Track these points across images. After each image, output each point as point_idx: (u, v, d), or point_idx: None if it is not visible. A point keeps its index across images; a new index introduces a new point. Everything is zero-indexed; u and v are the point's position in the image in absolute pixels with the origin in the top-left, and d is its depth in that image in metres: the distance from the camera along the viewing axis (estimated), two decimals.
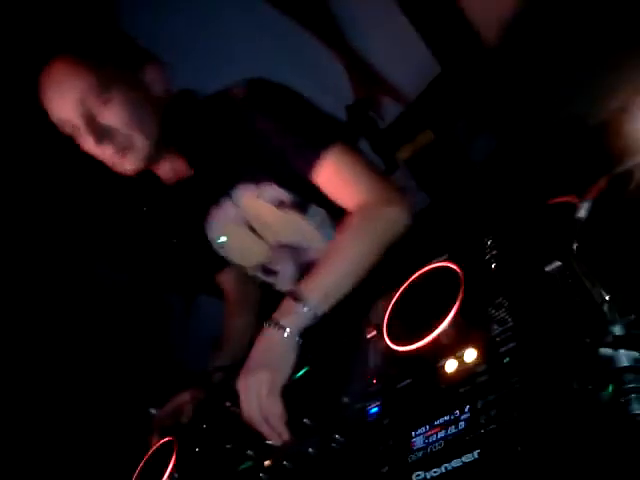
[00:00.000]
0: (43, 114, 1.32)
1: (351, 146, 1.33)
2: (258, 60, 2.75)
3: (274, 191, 1.39)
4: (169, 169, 1.45)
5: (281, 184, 1.39)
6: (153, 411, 1.45)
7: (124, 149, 1.30)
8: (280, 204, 1.41)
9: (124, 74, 1.31)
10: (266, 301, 1.76)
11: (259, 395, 1.12)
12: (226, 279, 1.77)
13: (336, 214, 1.36)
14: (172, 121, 1.37)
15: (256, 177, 1.39)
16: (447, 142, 2.46)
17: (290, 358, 1.16)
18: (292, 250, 1.51)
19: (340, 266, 1.22)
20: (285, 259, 1.53)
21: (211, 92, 1.45)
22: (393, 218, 1.27)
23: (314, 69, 2.91)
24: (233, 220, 1.49)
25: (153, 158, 1.37)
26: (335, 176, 1.29)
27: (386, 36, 2.77)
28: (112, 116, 1.27)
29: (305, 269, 1.49)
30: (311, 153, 1.29)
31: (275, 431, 1.11)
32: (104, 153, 1.30)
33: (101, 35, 1.35)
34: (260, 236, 1.50)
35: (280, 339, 1.16)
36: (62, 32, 1.37)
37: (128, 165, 1.33)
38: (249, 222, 1.48)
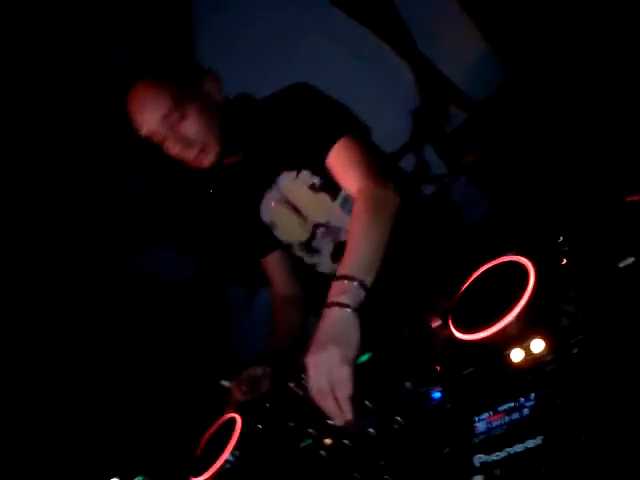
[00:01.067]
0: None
1: (359, 140, 1.60)
2: (329, 65, 2.81)
3: (308, 176, 1.67)
4: (226, 155, 1.71)
5: (315, 171, 1.66)
6: (226, 383, 1.51)
7: (202, 151, 1.62)
8: (312, 186, 1.67)
9: (192, 91, 1.62)
10: (311, 287, 1.89)
11: (330, 367, 1.16)
12: (273, 266, 1.91)
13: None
14: (230, 120, 1.68)
15: (296, 165, 1.68)
16: (512, 148, 2.44)
17: (356, 333, 1.22)
18: (328, 229, 1.72)
19: (368, 242, 1.40)
20: (324, 237, 1.73)
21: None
22: (389, 198, 1.50)
23: (383, 74, 2.93)
24: (279, 201, 1.74)
25: (223, 155, 1.67)
26: (340, 164, 1.57)
27: (455, 42, 2.78)
28: (189, 128, 1.60)
29: (342, 246, 1.64)
30: (325, 144, 1.58)
31: (340, 405, 1.15)
32: (189, 156, 1.62)
33: (174, 60, 1.70)
34: (301, 216, 1.72)
35: (344, 315, 1.24)
36: (145, 57, 1.71)
37: (207, 163, 1.64)
38: (291, 202, 1.72)
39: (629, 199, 0.93)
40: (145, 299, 3.16)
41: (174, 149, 1.61)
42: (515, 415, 0.86)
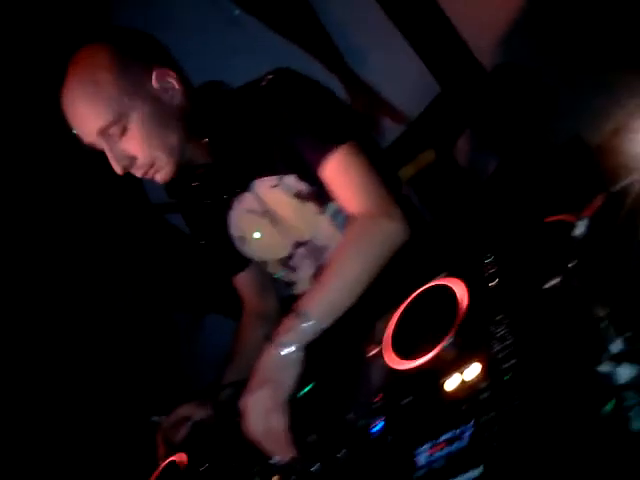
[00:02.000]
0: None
1: (362, 149, 1.33)
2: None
3: (294, 182, 1.40)
4: (190, 158, 1.43)
5: (302, 177, 1.39)
6: (156, 419, 1.44)
7: (151, 167, 1.34)
8: (298, 194, 1.41)
9: (136, 92, 1.30)
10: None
11: (262, 413, 1.13)
12: (245, 284, 1.69)
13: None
14: (197, 115, 1.38)
15: (276, 168, 1.40)
16: (448, 161, 2.48)
17: (292, 374, 1.17)
18: (310, 248, 1.51)
19: (341, 280, 1.23)
20: (304, 257, 1.53)
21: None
22: (392, 232, 1.28)
23: None
24: (253, 212, 1.48)
25: (179, 165, 1.38)
26: (340, 176, 1.31)
27: (385, 56, 2.81)
28: (132, 145, 1.30)
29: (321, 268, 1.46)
30: (321, 148, 1.31)
31: (279, 448, 1.12)
32: (136, 173, 1.35)
33: (116, 42, 1.33)
34: (280, 229, 1.49)
35: (282, 356, 1.17)
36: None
37: (159, 179, 1.37)
38: (269, 213, 1.46)
39: (548, 219, 0.94)
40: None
41: (116, 166, 1.31)
42: (455, 445, 0.85)
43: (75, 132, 1.32)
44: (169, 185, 1.48)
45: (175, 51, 1.41)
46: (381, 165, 1.39)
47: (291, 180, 1.40)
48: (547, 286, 0.87)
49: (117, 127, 1.28)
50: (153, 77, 1.33)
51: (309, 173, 1.36)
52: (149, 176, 1.36)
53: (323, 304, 1.21)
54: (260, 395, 1.14)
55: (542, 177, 1.88)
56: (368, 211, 1.28)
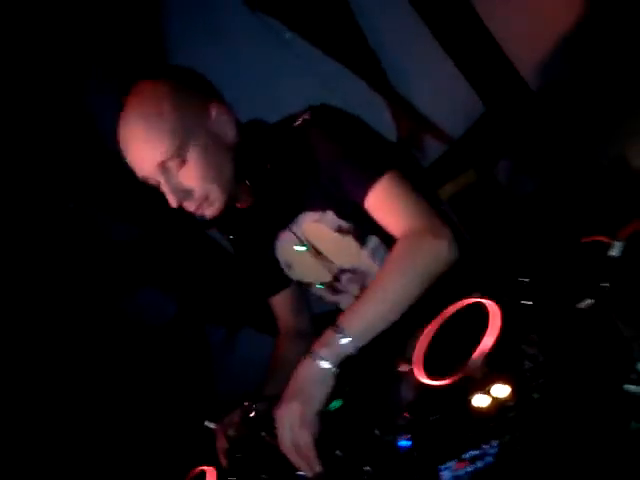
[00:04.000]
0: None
1: (404, 176, 1.34)
2: (304, 100, 2.84)
3: (333, 217, 1.43)
4: (240, 198, 1.47)
5: (340, 214, 1.42)
6: (210, 424, 1.43)
7: (202, 204, 1.35)
8: (339, 229, 1.44)
9: (195, 127, 1.32)
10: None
11: (291, 425, 1.14)
12: (282, 303, 1.72)
13: (391, 243, 1.35)
14: (245, 156, 1.41)
15: (318, 205, 1.43)
16: (489, 182, 2.46)
17: (324, 389, 1.17)
18: (354, 274, 1.53)
19: (382, 298, 1.22)
20: (350, 282, 1.55)
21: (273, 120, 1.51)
22: (439, 251, 1.25)
23: (359, 108, 2.96)
24: (296, 244, 1.51)
25: (229, 202, 1.40)
26: (384, 203, 1.31)
27: (430, 75, 2.82)
28: (189, 178, 1.32)
29: None
30: (364, 180, 1.32)
31: (305, 461, 1.13)
32: (189, 207, 1.36)
33: (176, 80, 1.37)
34: (321, 261, 1.52)
35: (316, 370, 1.17)
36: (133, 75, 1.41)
37: (208, 214, 1.38)
38: (312, 245, 1.50)
39: (584, 240, 0.93)
40: (127, 341, 3.13)
41: (172, 198, 1.32)
42: (479, 463, 0.85)
43: (132, 167, 1.34)
44: (216, 221, 1.50)
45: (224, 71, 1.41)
46: (425, 188, 1.40)
47: (331, 215, 1.42)
48: (580, 306, 0.86)
49: (176, 160, 1.29)
50: (211, 112, 1.36)
51: (348, 209, 1.38)
52: (200, 211, 1.37)
53: (363, 322, 1.20)
54: (291, 407, 1.15)
55: (582, 198, 1.85)
56: (415, 230, 1.27)
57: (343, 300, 1.60)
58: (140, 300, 3.24)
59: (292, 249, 1.53)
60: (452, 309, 1.10)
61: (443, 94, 2.89)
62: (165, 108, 1.29)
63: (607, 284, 0.85)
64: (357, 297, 1.46)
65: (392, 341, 1.21)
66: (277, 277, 1.65)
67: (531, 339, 0.92)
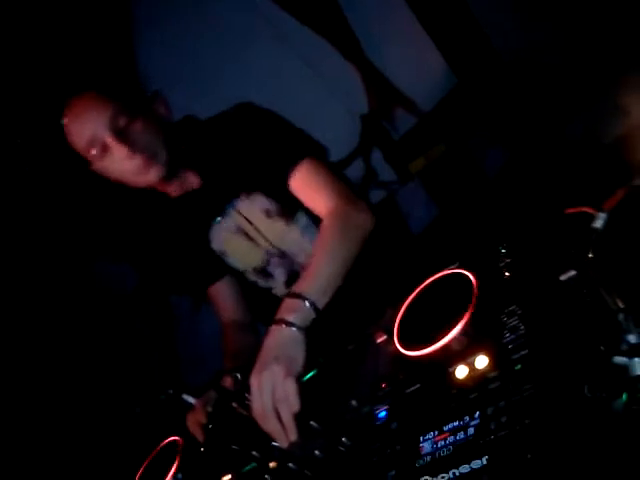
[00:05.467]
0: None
1: (322, 161, 1.55)
2: (275, 69, 2.78)
3: (262, 201, 1.59)
4: (177, 187, 1.62)
5: (268, 195, 1.59)
6: (189, 399, 1.42)
7: (151, 157, 1.46)
8: (267, 211, 1.60)
9: (143, 106, 1.50)
10: (266, 309, 1.78)
11: (274, 385, 1.13)
12: (219, 293, 1.80)
13: (319, 220, 1.52)
14: (179, 142, 1.56)
15: (247, 189, 1.60)
16: (460, 154, 2.46)
17: (301, 352, 1.19)
18: (282, 257, 1.67)
19: (329, 262, 1.35)
20: (277, 265, 1.68)
21: (236, 101, 1.64)
22: (362, 220, 1.45)
23: (330, 78, 2.92)
24: (231, 229, 1.65)
25: (171, 171, 1.53)
26: (306, 185, 1.51)
27: (403, 48, 2.79)
28: (139, 128, 1.45)
29: (296, 274, 1.66)
30: (285, 167, 1.51)
31: (284, 425, 1.11)
32: (133, 163, 1.45)
33: (121, 78, 1.60)
34: (255, 242, 1.65)
35: (289, 334, 1.20)
36: (88, 75, 1.59)
37: (153, 172, 1.49)
38: (244, 230, 1.64)
39: (569, 211, 0.92)
40: (88, 311, 3.07)
41: (117, 157, 1.43)
42: (460, 435, 0.84)
43: (79, 132, 1.44)
44: (156, 207, 1.68)
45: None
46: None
47: (260, 199, 1.59)
48: (564, 277, 0.85)
49: (126, 117, 1.43)
50: (154, 101, 1.55)
51: (275, 192, 1.56)
52: (144, 169, 1.47)
53: (319, 284, 1.30)
54: (271, 370, 1.14)
55: (556, 170, 1.86)
56: (338, 206, 1.45)
57: (274, 285, 1.71)
58: (100, 271, 3.17)
59: (225, 236, 1.66)
60: (431, 280, 1.09)
61: (415, 66, 2.86)
62: (114, 92, 1.48)
63: (591, 255, 0.83)
64: (286, 282, 1.68)
65: (370, 313, 1.20)
66: (213, 267, 1.74)
67: (512, 311, 0.91)
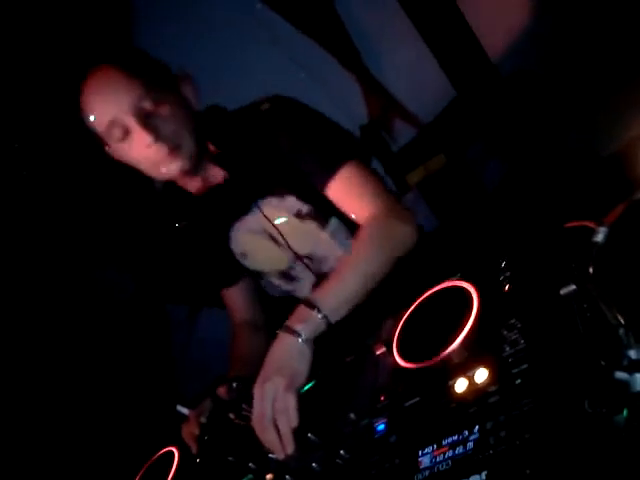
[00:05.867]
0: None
1: (364, 163, 1.42)
2: (274, 77, 2.79)
3: (293, 202, 1.47)
4: (200, 182, 1.50)
5: (300, 197, 1.46)
6: (183, 410, 1.40)
7: (176, 147, 1.34)
8: (298, 214, 1.48)
9: (170, 87, 1.38)
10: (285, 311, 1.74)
11: (275, 396, 1.12)
12: (235, 296, 1.73)
13: (353, 226, 1.42)
14: (206, 133, 1.43)
15: (277, 190, 1.47)
16: (459, 166, 2.46)
17: (305, 364, 1.17)
18: (311, 261, 1.56)
19: (352, 276, 1.26)
20: (305, 269, 1.58)
21: (233, 107, 1.53)
22: (403, 233, 1.34)
23: (330, 89, 2.93)
24: (254, 230, 1.54)
25: (195, 164, 1.41)
26: (347, 190, 1.38)
27: (403, 59, 2.80)
28: (166, 114, 1.32)
29: (323, 277, 1.51)
30: (326, 169, 1.37)
31: (282, 437, 1.10)
32: (156, 152, 1.32)
33: (147, 54, 1.42)
34: (279, 245, 1.54)
35: (295, 345, 1.17)
36: (108, 49, 1.43)
37: (177, 164, 1.36)
38: (269, 232, 1.53)
39: (569, 225, 0.92)
40: (85, 317, 3.05)
41: (139, 143, 1.30)
42: (459, 449, 0.83)
43: (99, 112, 1.31)
44: (178, 201, 1.56)
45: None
46: (393, 173, 1.45)
47: (291, 201, 1.47)
48: (564, 292, 0.85)
49: (151, 101, 1.30)
50: (180, 81, 1.42)
51: (309, 193, 1.43)
52: (168, 159, 1.35)
53: (336, 298, 1.23)
54: (274, 382, 1.13)
55: (556, 183, 1.86)
56: (380, 214, 1.34)
57: (298, 288, 1.63)
58: (99, 277, 3.16)
59: (248, 237, 1.55)
60: (431, 292, 1.08)
61: (415, 78, 2.88)
62: (139, 68, 1.33)
63: (591, 270, 0.83)
64: (313, 285, 1.57)
65: (369, 324, 1.20)
66: (231, 269, 1.66)
67: (512, 324, 0.91)
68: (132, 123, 1.29)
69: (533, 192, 1.96)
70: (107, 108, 1.29)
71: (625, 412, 0.67)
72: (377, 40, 2.84)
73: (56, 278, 2.97)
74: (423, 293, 1.09)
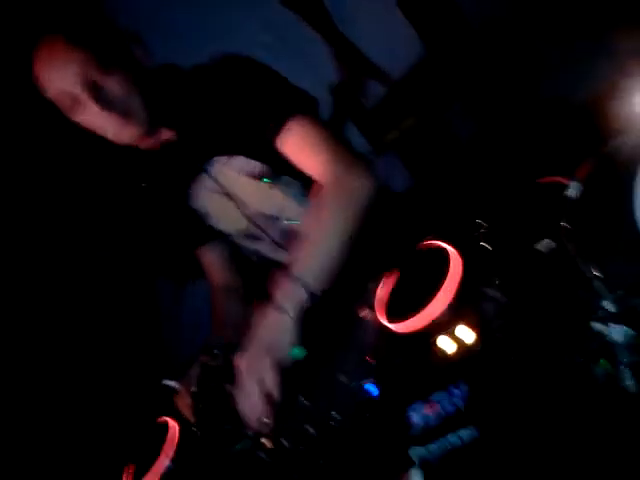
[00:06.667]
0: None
1: (315, 117, 1.40)
2: (242, 38, 2.74)
3: (245, 162, 1.46)
4: (153, 141, 1.48)
5: (252, 156, 1.45)
6: (170, 383, 1.42)
7: (127, 115, 1.34)
8: (250, 173, 1.47)
9: (119, 52, 1.36)
10: (254, 271, 1.74)
11: (261, 375, 1.13)
12: (210, 258, 1.72)
13: (309, 183, 1.41)
14: (158, 93, 1.42)
15: (229, 149, 1.46)
16: (433, 125, 2.47)
17: (291, 337, 1.18)
18: (270, 219, 1.56)
19: (326, 243, 1.26)
20: (265, 226, 1.58)
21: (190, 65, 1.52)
22: (364, 185, 1.32)
23: (299, 49, 2.89)
24: (211, 189, 1.53)
25: (147, 129, 1.40)
26: (300, 146, 1.36)
27: (373, 17, 2.77)
28: (115, 83, 1.32)
29: (285, 236, 1.56)
30: (276, 124, 1.35)
31: (265, 414, 1.13)
32: (107, 121, 1.33)
33: (91, 19, 1.38)
34: (237, 205, 1.54)
35: (283, 322, 1.18)
36: (54, 18, 1.38)
37: (129, 131, 1.37)
38: (226, 191, 1.52)
39: (542, 181, 0.94)
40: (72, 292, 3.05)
41: (90, 113, 1.32)
42: (447, 405, 0.86)
43: (46, 83, 1.31)
44: (136, 161, 1.55)
45: None
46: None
47: (241, 160, 1.46)
48: (539, 246, 0.88)
49: (100, 70, 1.30)
50: (132, 47, 1.40)
51: (260, 151, 1.42)
52: (123, 122, 1.35)
53: (315, 268, 1.23)
54: (260, 360, 1.15)
55: (532, 139, 1.88)
56: (338, 171, 1.31)
57: (262, 247, 1.62)
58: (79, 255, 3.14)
59: (206, 196, 1.55)
60: (411, 253, 1.11)
61: (385, 35, 2.85)
62: (85, 37, 1.32)
63: (566, 224, 0.86)
64: (276, 243, 1.57)
65: (353, 288, 1.22)
66: (199, 229, 1.65)
67: (492, 281, 0.94)
68: (80, 93, 1.30)
69: (507, 147, 1.97)
70: (54, 80, 1.30)
71: (602, 362, 0.70)
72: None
73: (38, 260, 2.95)
74: (403, 255, 1.11)
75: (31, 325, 2.76)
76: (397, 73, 2.79)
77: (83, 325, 2.94)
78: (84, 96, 1.29)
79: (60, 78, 1.29)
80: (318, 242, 1.26)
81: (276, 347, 1.16)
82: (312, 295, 1.20)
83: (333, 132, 1.39)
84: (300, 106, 1.38)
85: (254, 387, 1.13)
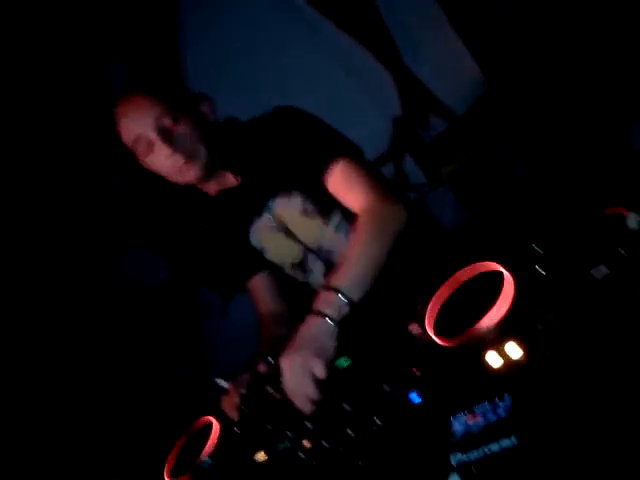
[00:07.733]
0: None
1: (357, 159, 1.61)
2: (311, 73, 2.84)
3: (299, 200, 1.67)
4: (216, 185, 1.73)
5: (305, 195, 1.66)
6: (222, 383, 1.48)
7: (191, 157, 1.57)
8: (304, 211, 1.67)
9: (188, 106, 1.61)
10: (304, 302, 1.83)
11: (304, 366, 1.22)
12: (258, 286, 1.87)
13: (353, 218, 1.58)
14: (221, 144, 1.66)
15: (285, 189, 1.68)
16: (492, 160, 2.49)
17: (332, 343, 1.27)
18: (319, 253, 1.73)
19: (363, 257, 1.41)
20: (315, 260, 1.75)
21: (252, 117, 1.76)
22: (394, 214, 1.52)
23: (364, 81, 2.97)
24: (269, 227, 1.73)
25: (209, 171, 1.64)
26: (342, 183, 1.58)
27: (438, 51, 2.83)
28: (182, 130, 1.57)
29: (332, 267, 1.67)
30: (322, 165, 1.58)
31: (312, 397, 1.21)
32: (174, 162, 1.56)
33: (168, 80, 1.72)
34: (292, 239, 1.72)
35: (323, 324, 1.28)
36: (139, 79, 1.71)
37: (192, 172, 1.60)
38: (281, 227, 1.72)
39: (608, 212, 0.96)
40: (118, 302, 3.14)
41: (160, 154, 1.55)
42: (491, 416, 0.88)
43: (127, 130, 1.56)
44: (198, 202, 1.78)
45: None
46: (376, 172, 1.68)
47: (297, 199, 1.67)
48: (595, 272, 0.89)
49: (170, 118, 1.55)
50: (200, 103, 1.66)
51: (312, 191, 1.64)
52: (184, 169, 1.57)
53: (351, 280, 1.37)
54: (302, 354, 1.23)
55: (589, 175, 1.88)
56: (373, 203, 1.52)
57: (311, 279, 1.78)
58: (131, 260, 3.24)
59: (264, 233, 1.74)
60: (464, 274, 1.13)
61: (448, 72, 2.90)
62: (161, 93, 1.59)
63: (624, 252, 0.87)
64: (324, 275, 1.74)
65: (403, 304, 1.25)
66: (252, 261, 1.81)
67: (545, 304, 0.95)
68: (154, 137, 1.53)
69: (565, 182, 1.98)
70: (133, 126, 1.55)
71: None
72: (413, 33, 2.87)
73: (91, 266, 3.06)
74: (456, 274, 1.14)
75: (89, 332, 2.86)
76: (458, 109, 2.83)
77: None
78: (157, 139, 1.53)
79: (138, 124, 1.54)
80: (354, 259, 1.41)
81: (316, 345, 1.25)
82: (350, 302, 1.31)
83: (371, 171, 1.61)
84: (343, 150, 1.59)
85: (299, 378, 1.21)
